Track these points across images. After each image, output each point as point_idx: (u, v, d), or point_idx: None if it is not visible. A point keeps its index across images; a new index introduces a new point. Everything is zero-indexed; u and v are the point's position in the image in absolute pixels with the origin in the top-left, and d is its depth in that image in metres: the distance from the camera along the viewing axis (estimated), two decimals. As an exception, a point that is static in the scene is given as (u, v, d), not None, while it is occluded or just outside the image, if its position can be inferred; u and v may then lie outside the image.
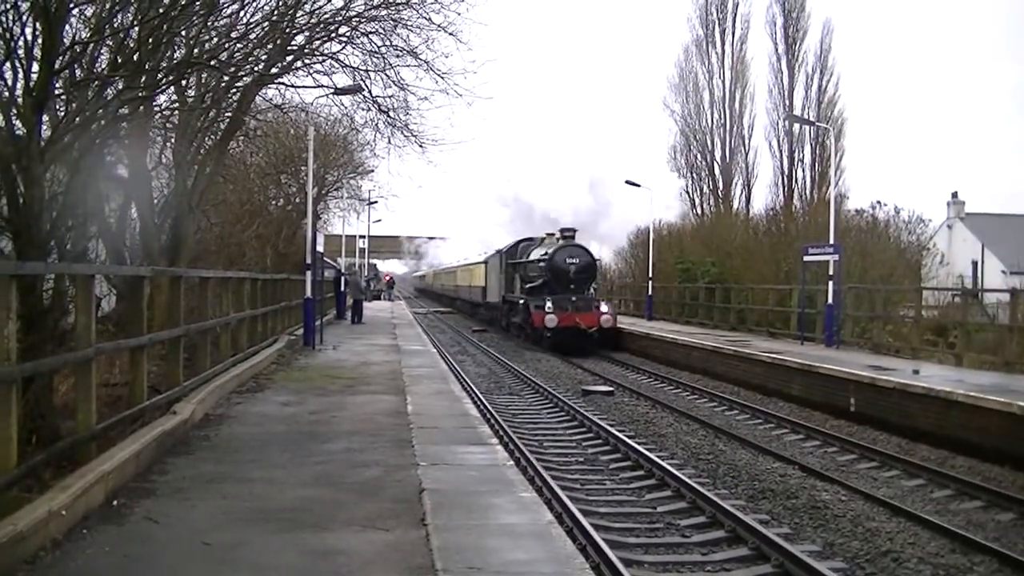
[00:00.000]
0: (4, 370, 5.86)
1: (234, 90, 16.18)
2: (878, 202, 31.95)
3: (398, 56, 17.01)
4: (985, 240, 48.60)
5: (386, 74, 17.41)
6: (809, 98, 48.20)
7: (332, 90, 18.50)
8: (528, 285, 33.29)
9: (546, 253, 32.27)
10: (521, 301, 33.17)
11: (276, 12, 14.65)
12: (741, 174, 50.88)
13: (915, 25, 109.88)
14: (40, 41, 8.51)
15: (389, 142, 19.70)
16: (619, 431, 14.47)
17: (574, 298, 30.52)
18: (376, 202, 43.96)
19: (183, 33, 12.06)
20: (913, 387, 14.90)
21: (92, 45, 10.26)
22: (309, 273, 23.00)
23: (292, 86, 18.25)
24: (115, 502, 6.71)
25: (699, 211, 50.45)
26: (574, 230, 33.38)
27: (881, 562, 8.51)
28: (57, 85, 9.38)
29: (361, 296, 36.22)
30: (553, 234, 34.30)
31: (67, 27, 9.48)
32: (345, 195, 39.19)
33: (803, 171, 48.63)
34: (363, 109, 19.81)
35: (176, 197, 16.61)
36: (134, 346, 9.22)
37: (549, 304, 30.01)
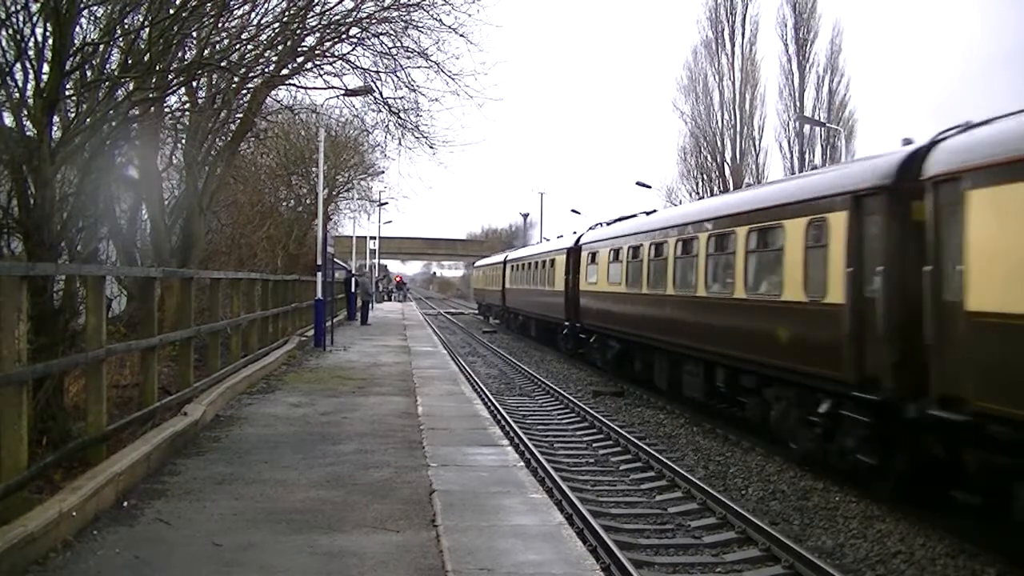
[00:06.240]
0: (15, 371, 5.86)
1: (245, 91, 16.21)
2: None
3: (409, 57, 17.02)
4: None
5: (397, 75, 17.42)
6: (820, 99, 48.15)
7: (343, 91, 18.50)
8: None
9: None
10: None
11: (287, 13, 14.67)
12: (751, 175, 50.69)
13: (925, 25, 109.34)
14: (51, 42, 8.50)
15: (400, 143, 19.65)
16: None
17: None
18: (387, 203, 44.08)
19: (194, 34, 12.06)
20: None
21: (103, 46, 10.24)
22: (319, 274, 23.02)
23: (303, 87, 18.31)
24: (126, 503, 6.70)
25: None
26: None
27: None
28: (68, 86, 9.36)
29: (369, 298, 36.23)
30: None
31: (77, 28, 9.45)
32: (356, 196, 39.34)
33: (814, 172, 48.53)
34: (374, 110, 19.87)
35: (187, 198, 16.64)
36: (145, 347, 9.24)
37: None
